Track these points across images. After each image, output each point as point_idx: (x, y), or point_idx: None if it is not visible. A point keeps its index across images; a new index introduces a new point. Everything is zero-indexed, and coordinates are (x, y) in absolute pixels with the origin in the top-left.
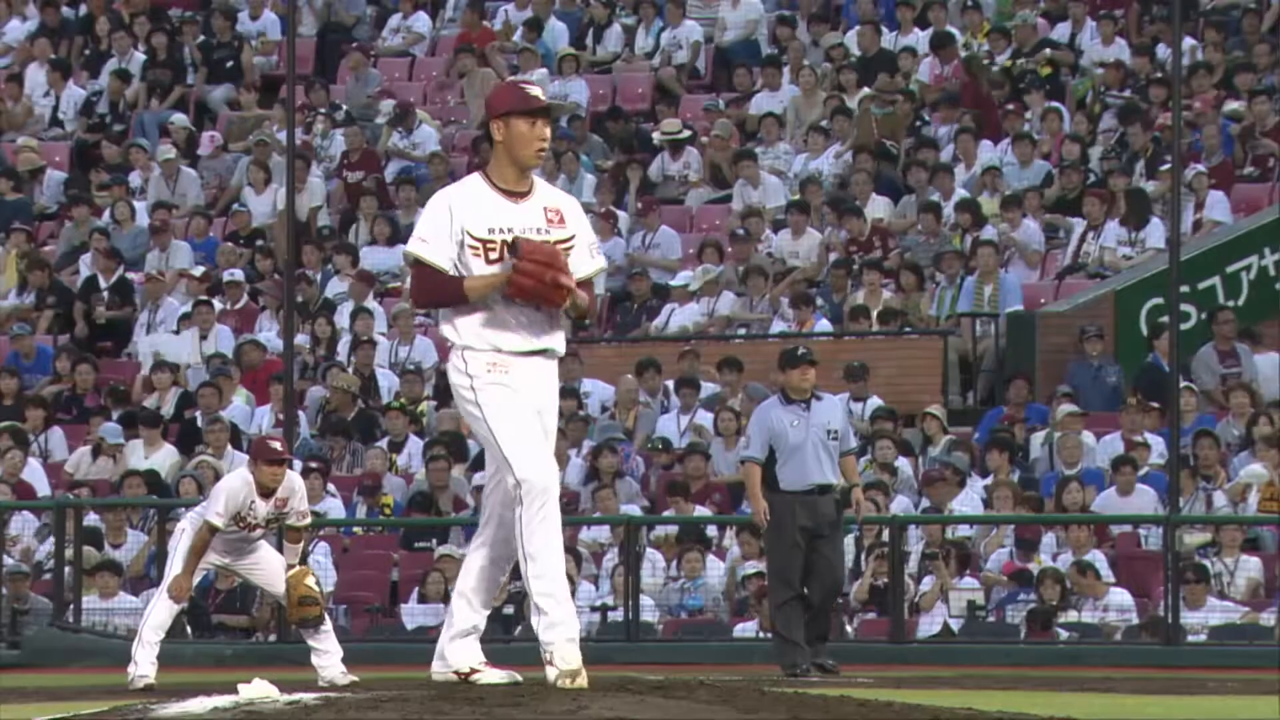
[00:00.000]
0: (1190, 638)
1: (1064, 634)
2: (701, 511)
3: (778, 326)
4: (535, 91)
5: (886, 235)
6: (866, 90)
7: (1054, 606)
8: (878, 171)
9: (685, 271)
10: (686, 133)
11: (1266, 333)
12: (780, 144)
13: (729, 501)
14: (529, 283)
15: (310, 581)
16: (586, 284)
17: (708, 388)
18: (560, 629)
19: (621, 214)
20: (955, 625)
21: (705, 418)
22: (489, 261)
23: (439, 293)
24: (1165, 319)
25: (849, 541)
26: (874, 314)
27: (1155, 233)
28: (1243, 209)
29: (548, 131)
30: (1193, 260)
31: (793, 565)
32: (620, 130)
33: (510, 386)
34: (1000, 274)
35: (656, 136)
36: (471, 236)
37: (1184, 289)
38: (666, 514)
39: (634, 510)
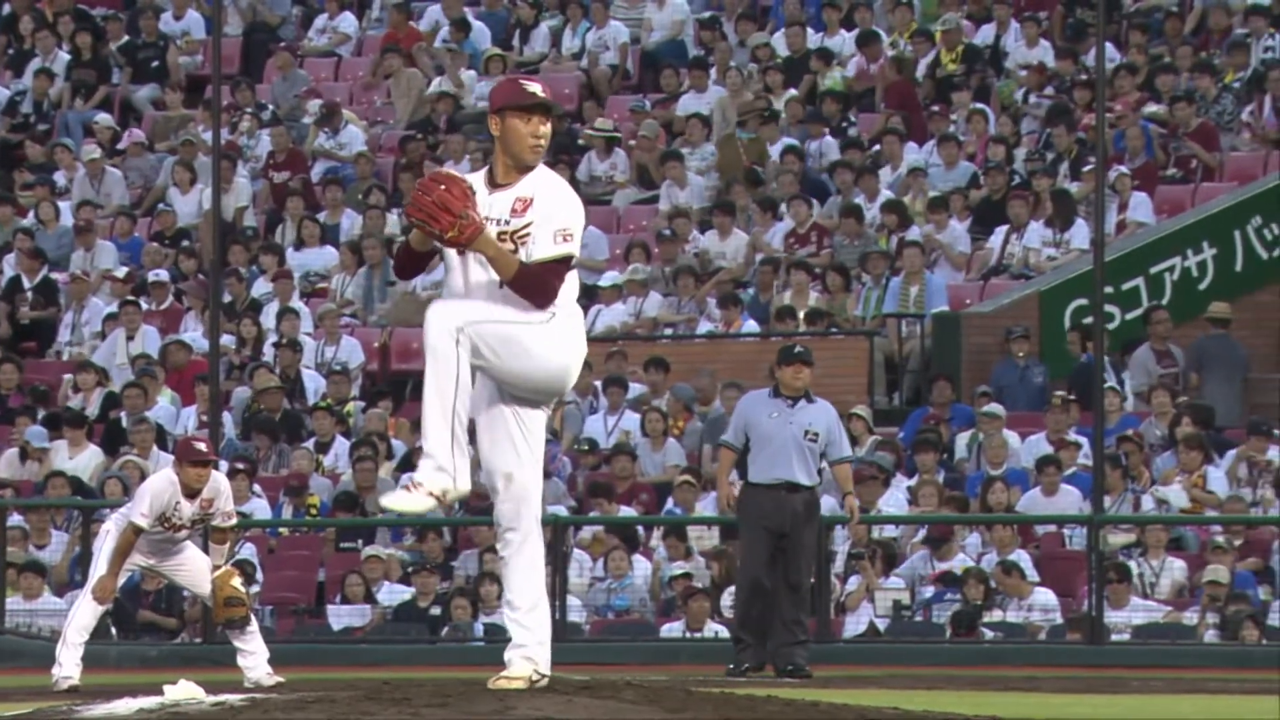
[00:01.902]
0: (1114, 637)
1: (989, 634)
2: (628, 512)
3: (704, 327)
4: (534, 88)
5: (824, 233)
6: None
7: (979, 606)
8: (804, 172)
9: (612, 272)
10: (617, 131)
11: (1190, 333)
12: (707, 145)
13: (655, 502)
14: (415, 204)
15: (236, 582)
16: (547, 266)
17: (635, 388)
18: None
19: None
20: (881, 625)
21: (632, 419)
22: (459, 251)
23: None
24: (1091, 319)
25: (841, 550)
26: (800, 315)
27: (1080, 234)
28: (1166, 210)
29: (545, 128)
30: (1117, 261)
31: (754, 558)
32: (555, 126)
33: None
34: (926, 275)
35: (585, 135)
36: None
37: (1108, 290)
38: (593, 514)
39: (560, 511)
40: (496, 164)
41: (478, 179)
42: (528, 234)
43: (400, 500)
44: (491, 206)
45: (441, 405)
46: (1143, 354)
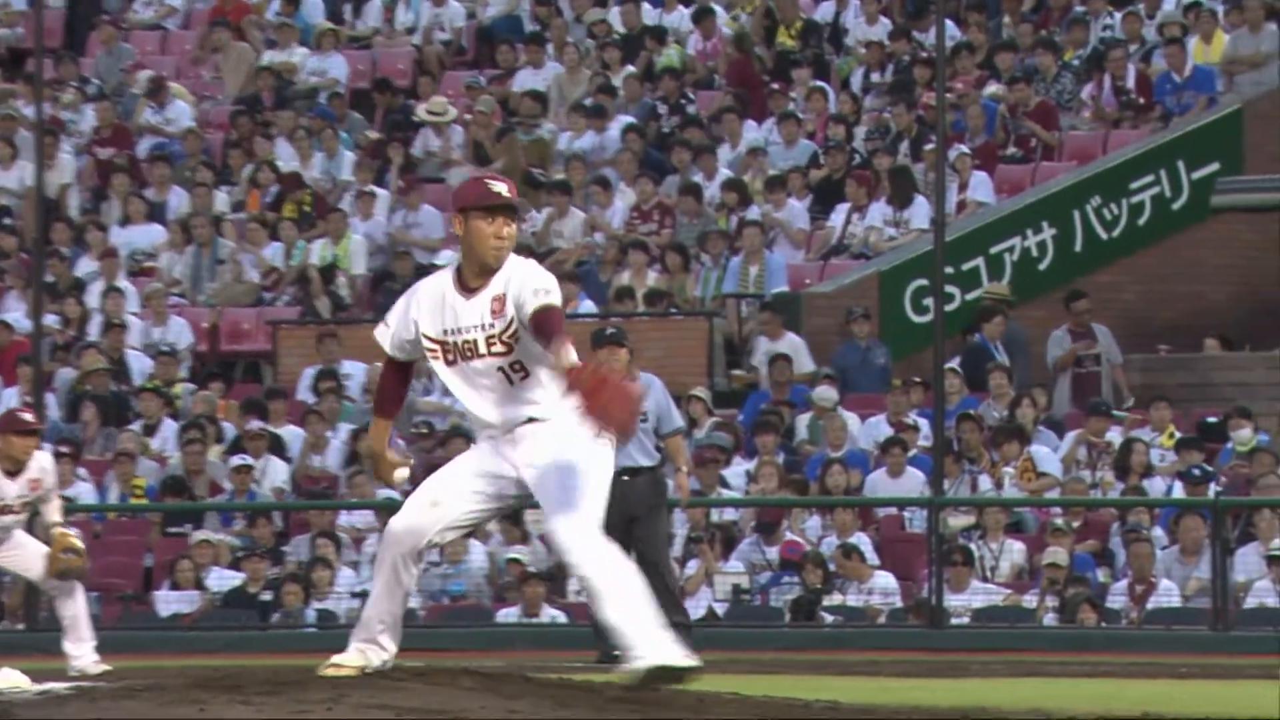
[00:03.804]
0: (954, 620)
1: (829, 618)
2: None
3: None
4: (498, 188)
5: (668, 211)
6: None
7: (818, 590)
8: (645, 151)
9: (448, 251)
10: (451, 113)
11: (1031, 314)
12: (544, 122)
13: None
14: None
15: (74, 538)
16: (541, 316)
17: None
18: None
19: (382, 192)
20: (720, 609)
21: None
22: (447, 363)
23: (378, 388)
24: (932, 300)
25: (680, 534)
26: (639, 295)
27: (920, 213)
28: (1006, 190)
29: (509, 229)
30: (957, 241)
31: None
32: (389, 102)
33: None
34: (765, 254)
35: (419, 115)
36: (426, 338)
37: (949, 270)
38: None
39: (394, 494)
40: (465, 267)
41: (444, 284)
42: (514, 330)
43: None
44: (469, 314)
45: (390, 603)
46: (1058, 335)
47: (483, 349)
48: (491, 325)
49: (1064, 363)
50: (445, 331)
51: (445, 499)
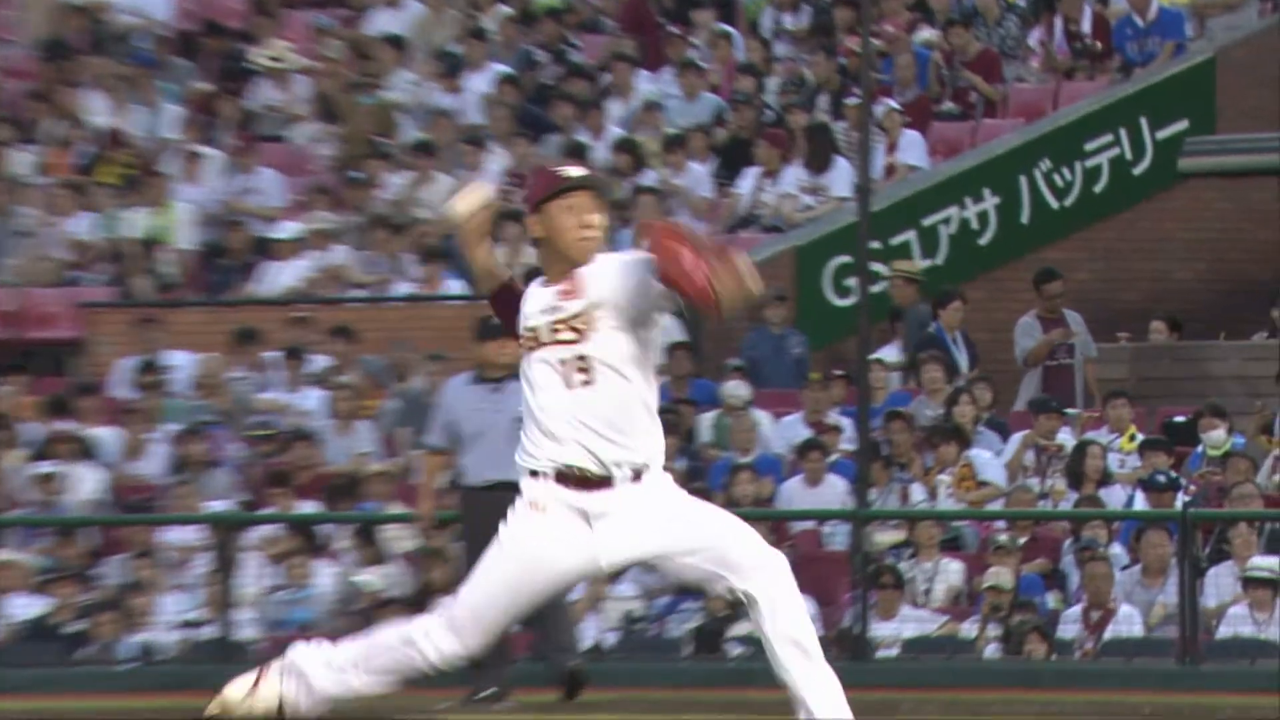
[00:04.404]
0: (881, 652)
1: (735, 649)
2: (310, 508)
3: (402, 287)
4: (571, 171)
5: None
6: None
7: (723, 618)
8: (521, 106)
9: (291, 222)
10: (293, 60)
11: (970, 296)
12: (404, 72)
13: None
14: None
15: None
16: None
17: (318, 360)
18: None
19: (213, 152)
20: (611, 640)
21: (314, 396)
22: (529, 351)
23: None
24: (858, 279)
25: None
26: (516, 274)
27: (841, 179)
28: (941, 152)
29: (597, 217)
30: (885, 212)
31: None
32: (221, 47)
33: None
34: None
35: (255, 61)
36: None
37: (875, 245)
38: (268, 511)
39: (229, 507)
40: (548, 271)
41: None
42: (592, 315)
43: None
44: (538, 299)
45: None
46: (1027, 322)
47: (545, 336)
48: (560, 308)
49: (1038, 355)
50: (530, 318)
51: (515, 617)
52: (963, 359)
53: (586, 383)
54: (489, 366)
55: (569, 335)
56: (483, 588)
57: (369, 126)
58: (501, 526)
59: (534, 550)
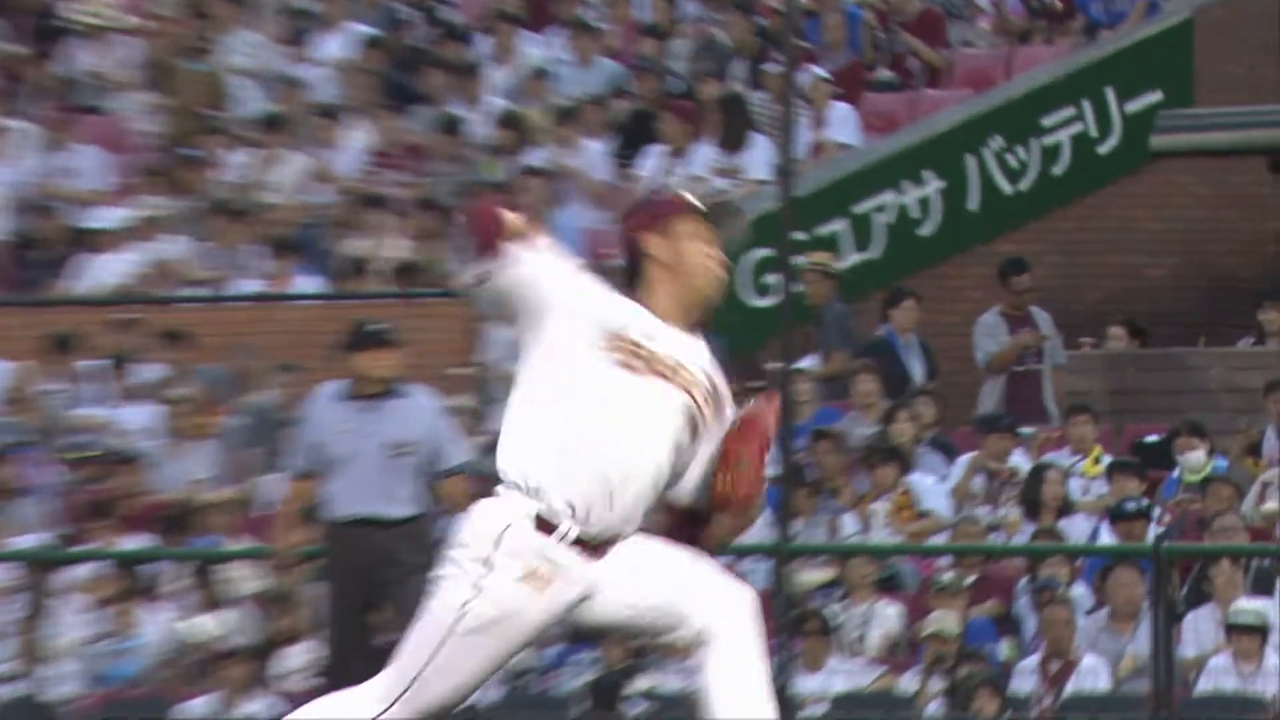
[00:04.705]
0: (806, 710)
1: (636, 707)
2: (137, 543)
3: (247, 285)
4: (694, 198)
5: (422, 155)
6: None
7: (622, 670)
8: (387, 74)
9: (116, 209)
10: (116, 17)
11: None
12: (246, 33)
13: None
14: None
15: None
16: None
17: (148, 370)
18: None
19: (22, 126)
20: (491, 696)
21: (144, 412)
22: (622, 366)
23: None
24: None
25: None
26: (380, 268)
27: (760, 159)
28: (876, 127)
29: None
30: (810, 197)
31: (340, 625)
32: (29, 2)
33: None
34: (553, 214)
35: (70, 19)
36: (605, 328)
37: (799, 235)
38: (89, 546)
39: (42, 541)
40: (656, 302)
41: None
42: (716, 408)
43: None
44: (680, 342)
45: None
46: (990, 321)
47: (681, 374)
48: (710, 377)
49: (1005, 360)
50: (644, 334)
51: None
52: (917, 368)
53: (687, 444)
54: (362, 380)
55: (706, 393)
56: (456, 678)
57: (206, 97)
58: (463, 588)
59: (529, 631)
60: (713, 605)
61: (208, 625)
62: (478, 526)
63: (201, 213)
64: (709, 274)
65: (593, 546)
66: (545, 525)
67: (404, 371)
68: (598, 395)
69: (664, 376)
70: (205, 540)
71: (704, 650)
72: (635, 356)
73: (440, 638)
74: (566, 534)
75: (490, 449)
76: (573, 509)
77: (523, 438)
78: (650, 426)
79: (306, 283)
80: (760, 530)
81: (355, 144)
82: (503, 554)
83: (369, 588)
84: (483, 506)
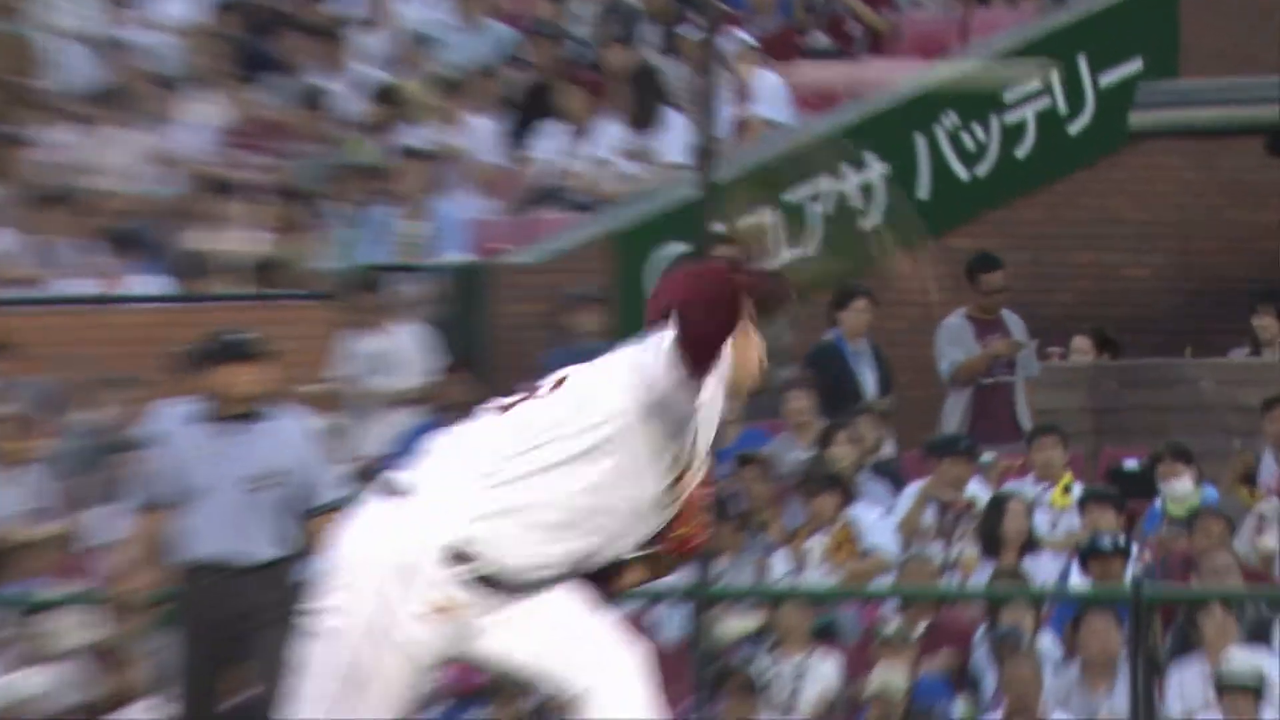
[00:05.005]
0: None
1: None
2: None
3: (75, 286)
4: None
5: (281, 134)
6: None
7: None
8: (239, 39)
9: None
10: None
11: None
12: None
13: None
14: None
15: None
16: None
17: None
18: None
19: None
20: None
21: None
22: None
23: None
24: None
25: None
26: (234, 266)
27: (675, 139)
28: (810, 102)
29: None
30: (734, 183)
31: (192, 681)
32: None
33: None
34: (434, 203)
35: None
36: None
37: (720, 229)
38: None
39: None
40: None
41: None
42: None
43: None
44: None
45: None
46: (956, 325)
47: (697, 468)
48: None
49: (974, 370)
50: (697, 452)
51: None
52: (870, 379)
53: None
54: (220, 400)
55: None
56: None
57: (18, 64)
58: (354, 622)
59: (418, 672)
60: (597, 665)
61: (31, 682)
62: (372, 549)
63: (18, 201)
64: (753, 373)
65: (499, 586)
66: (457, 556)
67: (274, 389)
68: (600, 485)
69: (676, 480)
70: (26, 584)
71: (584, 713)
72: (675, 477)
73: (332, 684)
74: (476, 569)
75: (364, 475)
76: (488, 545)
77: (480, 474)
78: (622, 508)
79: (146, 283)
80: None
81: (202, 121)
82: (399, 584)
83: (225, 640)
84: (377, 523)
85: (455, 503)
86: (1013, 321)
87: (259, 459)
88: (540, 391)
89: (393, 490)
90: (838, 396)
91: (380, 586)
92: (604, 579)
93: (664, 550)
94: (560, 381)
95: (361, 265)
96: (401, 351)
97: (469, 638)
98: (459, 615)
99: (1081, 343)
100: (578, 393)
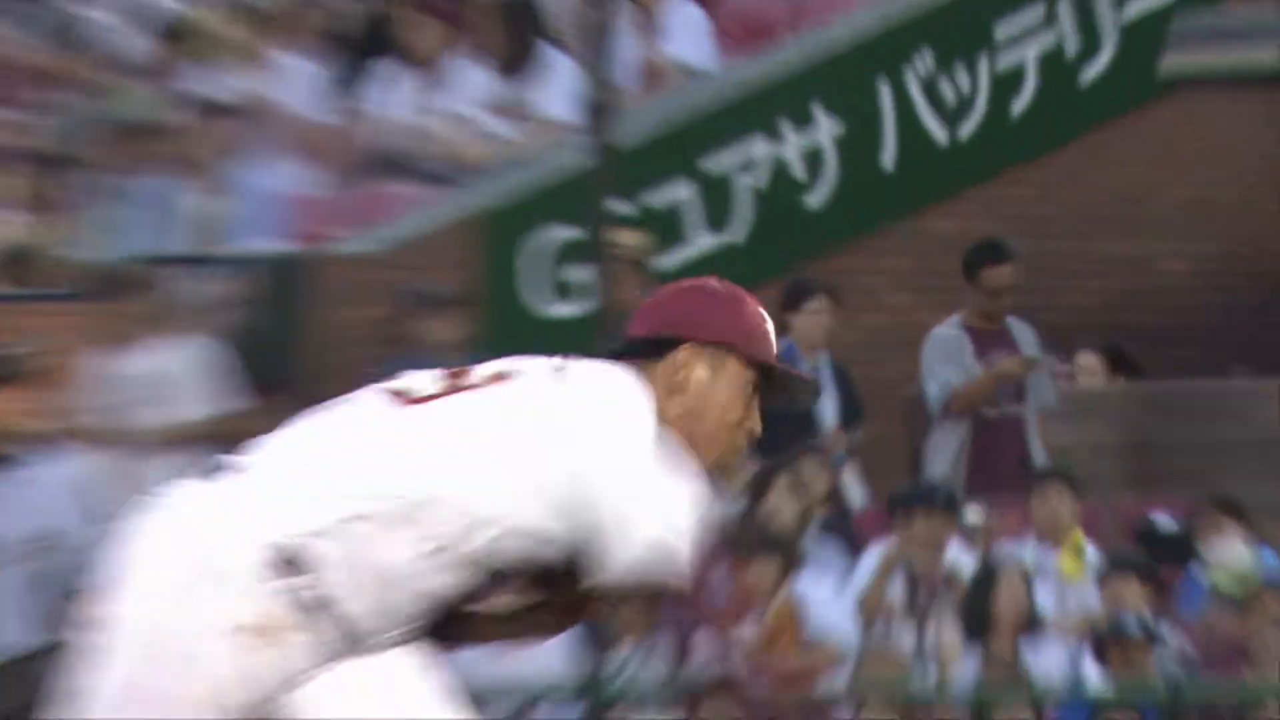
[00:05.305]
0: None
1: None
2: None
3: None
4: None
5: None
6: None
7: None
8: None
9: None
10: None
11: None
12: None
13: None
14: None
15: None
16: None
17: None
18: None
19: None
20: None
21: None
22: None
23: None
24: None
25: None
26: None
27: (560, 88)
28: (738, 40)
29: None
30: (640, 150)
31: None
32: None
33: None
34: (237, 173)
35: None
36: None
37: (621, 208)
38: None
39: None
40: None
41: None
42: None
43: None
44: None
45: None
46: (950, 337)
47: None
48: None
49: (973, 398)
50: None
51: None
52: (829, 407)
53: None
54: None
55: None
56: None
57: None
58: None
59: (235, 705)
60: None
61: None
62: (175, 537)
63: None
64: (734, 448)
65: (337, 625)
66: (287, 563)
67: (46, 423)
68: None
69: None
70: None
71: None
72: None
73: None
74: (311, 588)
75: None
76: (330, 568)
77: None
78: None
79: None
80: (562, 660)
81: None
82: (205, 584)
83: None
84: (188, 507)
85: (302, 497)
86: (1021, 332)
87: (16, 518)
88: (470, 381)
89: (218, 469)
90: (782, 429)
91: (181, 584)
92: (469, 628)
93: (555, 605)
94: (501, 376)
95: (132, 256)
96: (183, 372)
97: (285, 685)
98: (277, 642)
99: (1088, 361)
100: (532, 407)
